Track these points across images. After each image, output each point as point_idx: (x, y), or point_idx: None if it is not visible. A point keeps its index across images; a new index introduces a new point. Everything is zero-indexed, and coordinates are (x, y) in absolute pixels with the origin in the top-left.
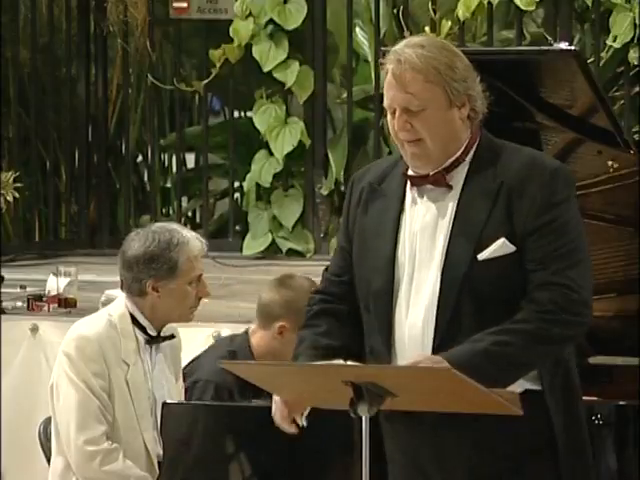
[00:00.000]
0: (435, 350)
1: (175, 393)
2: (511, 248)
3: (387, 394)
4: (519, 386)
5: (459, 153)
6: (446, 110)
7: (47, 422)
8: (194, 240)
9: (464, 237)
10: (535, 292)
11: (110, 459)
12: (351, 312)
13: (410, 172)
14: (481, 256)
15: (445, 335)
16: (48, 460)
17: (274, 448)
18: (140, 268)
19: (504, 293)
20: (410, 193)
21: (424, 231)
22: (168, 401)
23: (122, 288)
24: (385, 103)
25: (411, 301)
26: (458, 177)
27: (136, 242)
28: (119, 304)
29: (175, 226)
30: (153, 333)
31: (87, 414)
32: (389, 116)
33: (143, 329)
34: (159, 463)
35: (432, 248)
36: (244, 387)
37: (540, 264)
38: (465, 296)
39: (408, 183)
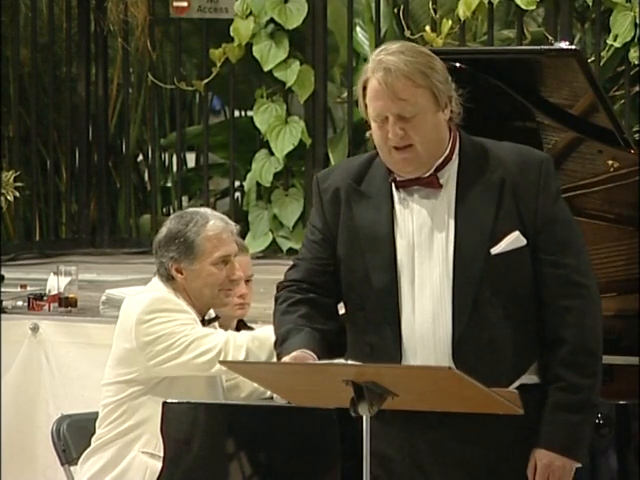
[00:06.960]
0: (456, 344)
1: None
2: (523, 241)
3: (388, 393)
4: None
5: (447, 152)
6: (434, 113)
7: (61, 421)
8: (215, 220)
9: (474, 232)
10: (561, 300)
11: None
12: (333, 305)
13: (398, 177)
14: (494, 250)
15: (467, 330)
16: (59, 457)
17: (274, 448)
18: (162, 251)
19: (518, 287)
20: (397, 193)
21: (421, 229)
22: (168, 400)
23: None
24: (372, 113)
25: (416, 297)
26: (447, 175)
27: (164, 226)
28: (157, 286)
29: (204, 209)
30: (198, 318)
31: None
32: (374, 125)
33: None
34: None
35: (430, 245)
36: None
37: (555, 259)
38: (484, 291)
39: (393, 185)
